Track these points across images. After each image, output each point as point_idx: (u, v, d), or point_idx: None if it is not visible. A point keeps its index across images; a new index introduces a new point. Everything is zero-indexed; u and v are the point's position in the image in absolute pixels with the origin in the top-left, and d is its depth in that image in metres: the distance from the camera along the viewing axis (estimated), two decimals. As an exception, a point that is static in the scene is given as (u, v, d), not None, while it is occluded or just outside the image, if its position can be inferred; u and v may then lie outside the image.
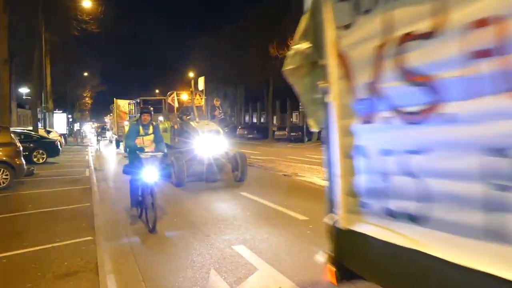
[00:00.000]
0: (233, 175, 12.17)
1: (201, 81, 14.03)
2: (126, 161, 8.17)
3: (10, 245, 6.02)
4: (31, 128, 25.17)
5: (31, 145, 18.17)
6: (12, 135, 12.27)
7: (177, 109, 13.40)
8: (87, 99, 71.64)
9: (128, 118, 26.75)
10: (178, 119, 13.15)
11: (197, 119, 12.52)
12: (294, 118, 52.76)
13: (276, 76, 41.12)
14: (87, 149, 29.57)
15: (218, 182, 12.01)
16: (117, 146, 29.85)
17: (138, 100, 16.45)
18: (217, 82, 44.19)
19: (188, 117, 12.58)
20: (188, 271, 5.04)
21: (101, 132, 41.03)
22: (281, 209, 8.38)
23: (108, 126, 47.21)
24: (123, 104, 28.34)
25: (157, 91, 63.01)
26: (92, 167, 16.37)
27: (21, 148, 12.22)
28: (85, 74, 54.31)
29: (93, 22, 27.01)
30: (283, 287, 4.49)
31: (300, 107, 41.23)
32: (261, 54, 37.10)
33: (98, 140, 35.54)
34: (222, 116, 13.78)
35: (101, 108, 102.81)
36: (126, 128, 23.52)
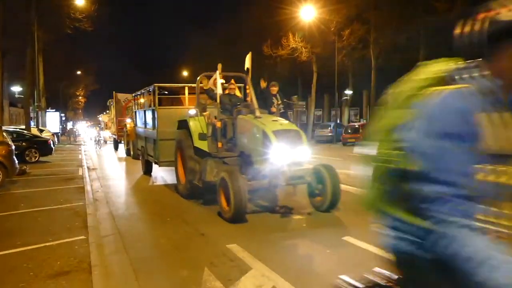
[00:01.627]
0: (314, 200, 7.91)
1: (248, 59, 9.39)
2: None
3: (2, 245, 5.97)
4: (23, 126, 25.05)
5: (23, 144, 18.03)
6: (4, 134, 12.19)
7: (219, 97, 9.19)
8: (80, 98, 71.32)
9: (132, 114, 22.92)
10: (222, 112, 8.95)
11: (257, 113, 8.20)
12: (288, 117, 52.77)
13: (270, 75, 41.19)
14: (80, 148, 29.37)
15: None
16: (116, 147, 26.70)
17: (151, 89, 12.19)
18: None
19: (238, 110, 8.61)
20: (181, 270, 5.03)
21: (100, 130, 35.60)
22: (276, 209, 8.38)
23: (102, 125, 40.95)
24: (125, 99, 24.47)
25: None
26: (85, 166, 16.28)
27: (14, 147, 12.14)
28: (79, 72, 54.03)
29: (86, 21, 26.89)
30: (277, 286, 4.49)
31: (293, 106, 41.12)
32: (254, 53, 37.11)
33: (97, 142, 30.02)
34: (282, 110, 9.49)
35: (94, 107, 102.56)
36: (129, 127, 20.06)
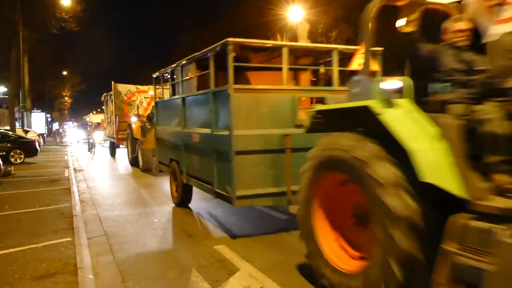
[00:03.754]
0: None
1: None
2: None
3: (-14, 247, 5.89)
4: (8, 127, 24.69)
5: (8, 145, 17.83)
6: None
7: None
8: (66, 98, 70.60)
9: (135, 111, 19.04)
10: None
11: None
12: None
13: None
14: (66, 149, 29.02)
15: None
16: (112, 153, 22.26)
17: (213, 52, 6.44)
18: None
19: None
20: (169, 272, 5.02)
21: (93, 131, 28.60)
22: (264, 209, 8.39)
23: (91, 125, 35.70)
24: (126, 91, 19.87)
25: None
26: (72, 168, 16.12)
27: (-2, 148, 11.98)
28: (65, 73, 53.47)
29: (72, 20, 26.58)
30: (264, 286, 4.50)
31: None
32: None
33: (90, 145, 25.22)
34: None
35: (81, 108, 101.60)
36: (134, 127, 16.32)
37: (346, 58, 6.36)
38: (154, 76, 10.40)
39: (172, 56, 59.00)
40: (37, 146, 19.72)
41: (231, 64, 5.90)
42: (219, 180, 6.50)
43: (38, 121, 39.92)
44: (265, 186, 6.01)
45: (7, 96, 34.60)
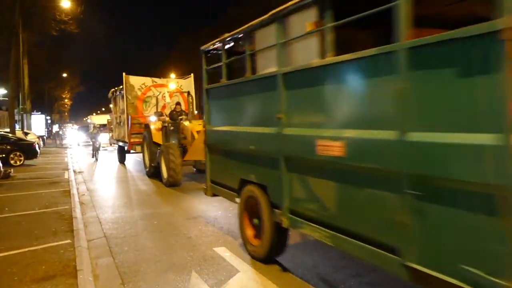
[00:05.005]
0: None
1: None
2: None
3: (-14, 250, 5.88)
4: (8, 129, 24.70)
5: (8, 147, 17.83)
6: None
7: None
8: (66, 100, 70.73)
9: (152, 109, 15.94)
10: None
11: None
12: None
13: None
14: (66, 151, 29.00)
15: None
16: (121, 159, 19.32)
17: None
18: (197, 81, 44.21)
19: None
20: (169, 274, 5.01)
21: (97, 133, 22.70)
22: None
23: (94, 127, 29.00)
24: (141, 85, 16.62)
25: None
26: (71, 170, 16.11)
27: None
28: (64, 74, 53.52)
29: (72, 22, 26.60)
30: (264, 288, 4.49)
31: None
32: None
33: (95, 150, 21.61)
34: None
35: (80, 109, 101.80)
36: (153, 128, 13.38)
37: None
38: (205, 49, 6.78)
39: (171, 56, 59.20)
40: (37, 148, 19.70)
41: None
42: (434, 249, 2.86)
43: (38, 123, 40.02)
44: None
45: (6, 98, 34.60)
